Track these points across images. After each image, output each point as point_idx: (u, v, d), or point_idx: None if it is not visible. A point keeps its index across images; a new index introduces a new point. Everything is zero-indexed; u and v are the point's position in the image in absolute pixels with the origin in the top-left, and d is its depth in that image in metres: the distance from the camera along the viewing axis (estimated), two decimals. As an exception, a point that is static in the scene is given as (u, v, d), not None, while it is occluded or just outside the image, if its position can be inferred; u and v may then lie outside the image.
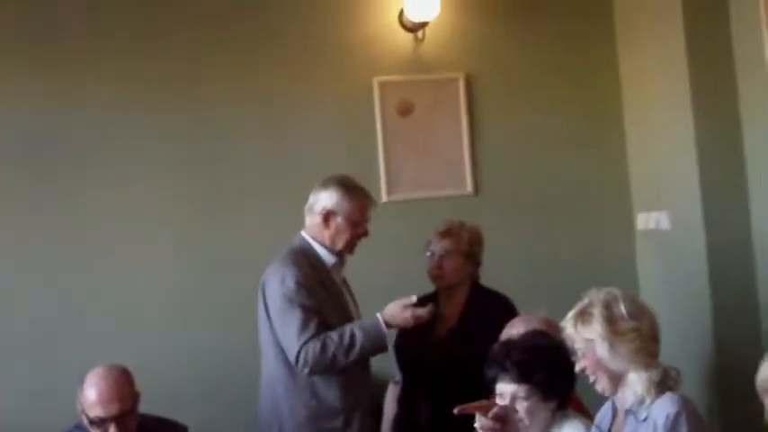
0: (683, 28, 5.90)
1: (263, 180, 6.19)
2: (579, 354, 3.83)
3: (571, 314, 3.87)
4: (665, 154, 6.23)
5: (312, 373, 4.79)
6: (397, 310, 4.86)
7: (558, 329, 4.28)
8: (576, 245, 6.56)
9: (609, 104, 6.63)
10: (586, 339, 3.79)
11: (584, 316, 3.82)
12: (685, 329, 5.82)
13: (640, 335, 3.78)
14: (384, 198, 6.25)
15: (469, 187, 6.44)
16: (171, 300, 6.05)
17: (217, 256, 6.11)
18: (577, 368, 3.85)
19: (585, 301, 3.87)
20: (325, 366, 4.79)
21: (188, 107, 6.12)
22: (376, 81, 6.34)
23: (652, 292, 6.27)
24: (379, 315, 4.88)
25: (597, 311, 3.79)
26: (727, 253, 5.88)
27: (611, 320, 3.77)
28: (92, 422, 4.33)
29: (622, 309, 3.80)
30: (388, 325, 4.87)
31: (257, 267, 5.02)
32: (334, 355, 4.78)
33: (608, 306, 3.81)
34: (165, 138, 6.10)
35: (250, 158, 6.19)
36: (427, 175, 6.38)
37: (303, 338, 4.76)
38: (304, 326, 4.78)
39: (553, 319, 4.54)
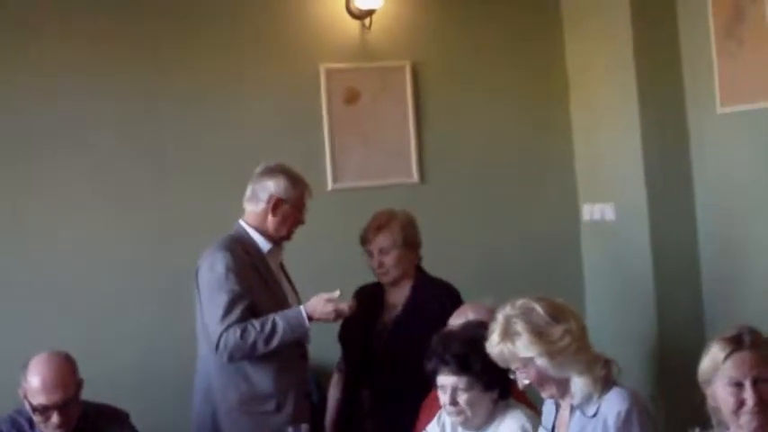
0: (630, 20, 5.94)
1: (207, 166, 6.13)
2: (518, 372, 3.75)
3: (494, 337, 3.77)
4: (611, 146, 6.26)
5: (231, 359, 4.81)
6: (320, 304, 4.88)
7: None
8: (521, 234, 6.57)
9: (555, 95, 6.65)
10: (522, 358, 3.72)
11: (510, 335, 3.72)
12: (629, 320, 5.87)
13: (572, 334, 3.72)
14: (330, 186, 6.25)
15: (415, 176, 6.44)
16: (113, 285, 5.99)
17: (158, 242, 6.05)
18: (521, 385, 3.78)
19: (501, 319, 3.77)
20: (243, 353, 4.80)
21: (131, 89, 6.03)
22: (322, 68, 6.30)
23: (597, 283, 6.36)
24: (302, 307, 4.90)
25: (521, 327, 3.71)
26: (671, 244, 5.94)
27: (538, 331, 3.70)
28: (35, 409, 4.31)
29: (543, 315, 3.74)
30: (311, 317, 4.88)
31: (198, 252, 5.01)
32: (255, 342, 4.78)
33: (528, 317, 3.73)
34: (106, 119, 6.01)
35: (193, 144, 6.13)
36: (373, 163, 6.37)
37: (225, 324, 4.77)
38: (228, 311, 4.79)
39: (492, 307, 4.42)
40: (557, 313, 3.76)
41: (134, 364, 5.92)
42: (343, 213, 6.06)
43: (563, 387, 3.75)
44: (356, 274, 5.49)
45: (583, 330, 3.78)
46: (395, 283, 5.35)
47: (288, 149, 5.92)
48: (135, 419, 4.64)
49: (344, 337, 5.32)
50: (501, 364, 3.79)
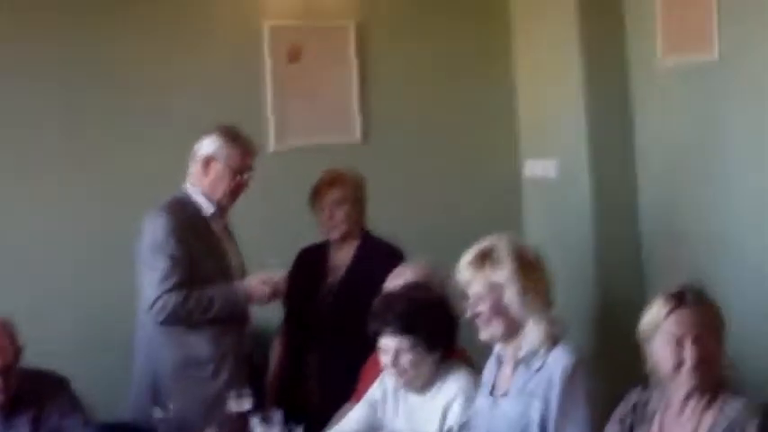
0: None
1: (148, 126, 6.03)
2: (475, 298, 3.79)
3: (471, 257, 3.82)
4: (554, 101, 6.25)
5: (165, 322, 4.80)
6: (257, 285, 4.92)
7: (438, 278, 4.42)
8: (464, 192, 6.56)
9: (499, 50, 6.61)
10: (492, 283, 3.75)
11: (491, 258, 3.77)
12: (569, 277, 5.76)
13: (545, 285, 3.81)
14: (272, 146, 6.19)
15: (358, 135, 6.40)
16: (54, 248, 5.92)
17: (99, 206, 5.93)
18: (469, 313, 3.80)
19: (487, 244, 3.83)
20: (179, 319, 4.80)
21: (71, 50, 5.93)
22: (266, 25, 6.24)
23: (537, 240, 6.15)
24: (241, 285, 4.92)
25: (507, 255, 3.76)
26: (612, 202, 5.95)
27: (523, 267, 3.76)
28: (-28, 376, 4.28)
29: (531, 256, 3.81)
30: (249, 297, 4.92)
31: (140, 216, 4.97)
32: (191, 311, 4.80)
33: (517, 251, 3.79)
34: (50, 81, 5.89)
35: (133, 104, 6.01)
36: (316, 122, 6.31)
37: (165, 287, 4.77)
38: (168, 275, 4.78)
39: (431, 268, 4.62)
40: (539, 259, 3.84)
41: (74, 329, 5.85)
42: (286, 174, 6.01)
43: (510, 329, 3.78)
44: (302, 234, 5.50)
45: (551, 285, 3.85)
46: (342, 240, 5.36)
47: (229, 109, 5.82)
48: (76, 386, 4.60)
49: (288, 299, 5.26)
50: (462, 286, 3.82)
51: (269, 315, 5.33)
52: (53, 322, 5.76)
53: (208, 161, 4.95)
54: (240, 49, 6.23)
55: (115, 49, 5.98)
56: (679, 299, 3.35)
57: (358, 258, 5.34)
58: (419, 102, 6.52)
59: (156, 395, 4.82)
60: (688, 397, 3.35)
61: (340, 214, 5.31)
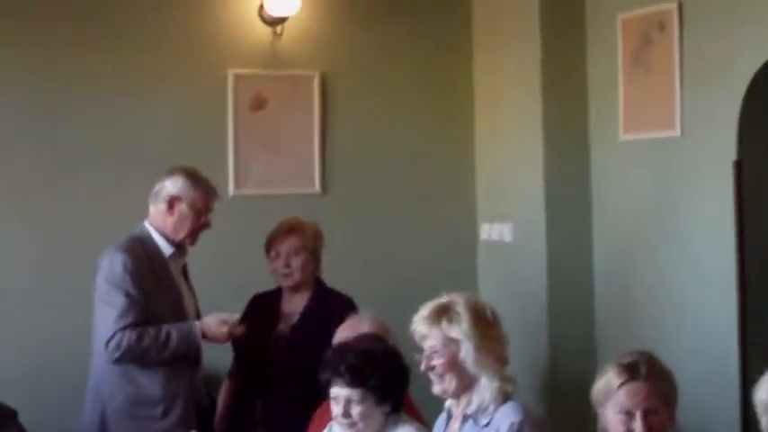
0: (539, 41, 5.99)
1: (108, 166, 6.04)
2: (430, 351, 3.80)
3: (428, 311, 3.84)
4: (512, 165, 6.29)
5: (120, 360, 4.77)
6: (215, 324, 4.91)
7: (389, 332, 4.46)
8: (419, 251, 6.57)
9: (460, 111, 6.66)
10: (448, 338, 3.77)
11: (449, 314, 3.79)
12: (523, 341, 5.73)
13: (501, 343, 3.83)
14: (231, 192, 6.18)
15: (317, 185, 6.41)
16: (4, 278, 5.90)
17: (58, 240, 5.96)
18: (423, 366, 3.81)
19: (445, 299, 3.85)
20: (135, 357, 4.78)
21: (33, 88, 5.95)
22: (231, 73, 6.26)
23: (492, 302, 6.22)
24: (197, 324, 4.92)
25: (464, 311, 3.78)
26: (567, 267, 5.99)
27: (479, 323, 3.78)
28: None
29: (488, 312, 3.83)
30: (204, 335, 4.90)
31: (94, 253, 4.99)
32: (148, 349, 4.78)
33: (475, 309, 3.82)
34: (7, 117, 5.93)
35: (93, 145, 6.04)
36: (276, 171, 6.33)
37: (121, 324, 4.75)
38: (125, 312, 4.76)
39: (383, 321, 4.65)
40: (496, 317, 3.86)
41: (26, 362, 5.83)
42: (243, 220, 6.03)
43: (463, 385, 3.79)
44: (254, 280, 5.51)
45: (506, 343, 3.87)
46: (295, 289, 5.36)
47: (191, 152, 5.85)
48: (24, 418, 4.59)
49: (238, 344, 5.25)
50: (417, 339, 3.83)
51: (218, 357, 5.32)
52: (4, 355, 5.76)
53: (172, 201, 4.94)
54: (205, 94, 6.26)
55: (83, 82, 6.01)
56: (632, 371, 3.37)
57: (310, 307, 5.33)
58: (380, 155, 6.57)
59: (104, 429, 4.84)
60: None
61: (297, 262, 5.31)
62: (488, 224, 6.53)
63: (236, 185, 6.22)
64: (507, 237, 6.32)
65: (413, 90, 6.61)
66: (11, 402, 4.57)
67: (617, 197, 5.88)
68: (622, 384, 3.36)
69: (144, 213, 5.04)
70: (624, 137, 5.76)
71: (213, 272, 5.73)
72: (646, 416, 3.32)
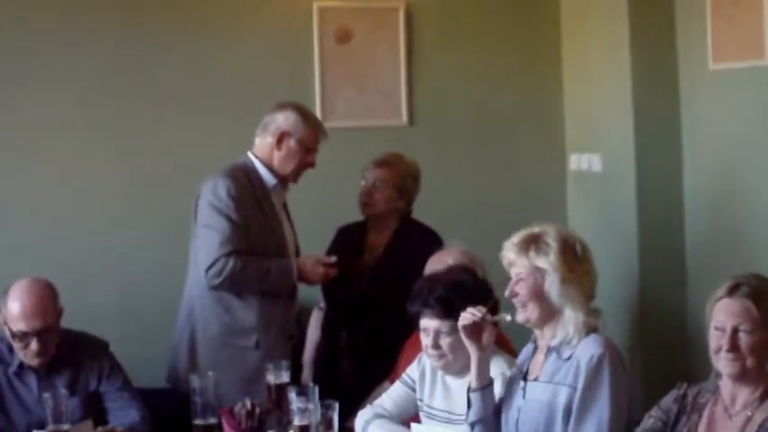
0: (626, -28, 5.90)
1: (197, 102, 6.07)
2: (516, 278, 3.79)
3: (518, 239, 3.83)
4: (601, 97, 6.24)
5: (220, 285, 4.79)
6: (311, 264, 4.96)
7: (478, 263, 4.48)
8: (507, 182, 6.54)
9: (548, 42, 6.58)
10: (534, 267, 3.76)
11: (538, 243, 3.78)
12: (612, 273, 5.78)
13: (589, 278, 3.81)
14: (320, 125, 6.16)
15: (405, 118, 6.39)
16: (101, 214, 5.97)
17: (147, 176, 6.02)
18: (507, 292, 3.81)
19: (536, 229, 3.84)
20: (234, 284, 4.81)
21: (121, 29, 5.99)
22: (316, 6, 6.24)
23: (581, 233, 6.24)
24: (294, 265, 4.94)
25: (554, 244, 3.76)
26: (657, 199, 5.93)
27: (567, 257, 3.76)
28: (14, 335, 4.35)
29: (578, 249, 3.81)
30: (299, 275, 4.94)
31: (186, 189, 5.05)
32: (248, 280, 4.81)
33: (565, 242, 3.79)
34: (97, 58, 5.97)
35: (182, 81, 6.07)
36: (363, 104, 6.33)
37: (225, 249, 4.76)
38: (228, 238, 4.77)
39: (472, 253, 4.65)
40: (586, 253, 3.84)
41: (116, 295, 5.92)
42: (330, 153, 5.90)
43: (546, 315, 3.77)
44: (342, 214, 5.55)
45: (595, 278, 3.84)
46: (378, 221, 5.38)
47: (277, 87, 5.91)
48: (115, 349, 4.69)
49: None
50: (505, 264, 3.83)
51: (307, 292, 5.34)
52: (95, 288, 5.86)
53: (282, 136, 4.95)
54: (289, 28, 6.24)
55: (169, 19, 6.05)
56: (733, 288, 3.35)
57: (395, 240, 5.36)
58: (466, 87, 6.49)
59: (194, 361, 4.90)
60: (736, 390, 3.36)
61: (379, 195, 5.35)
62: (577, 154, 6.50)
63: (323, 119, 6.00)
64: (596, 166, 6.30)
65: (499, 20, 6.54)
66: (103, 335, 4.71)
67: (706, 127, 5.80)
68: (719, 299, 3.37)
69: (235, 148, 5.09)
70: (714, 66, 5.66)
71: (302, 205, 5.64)
72: (735, 332, 3.30)
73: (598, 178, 6.30)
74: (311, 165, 5.05)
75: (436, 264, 4.56)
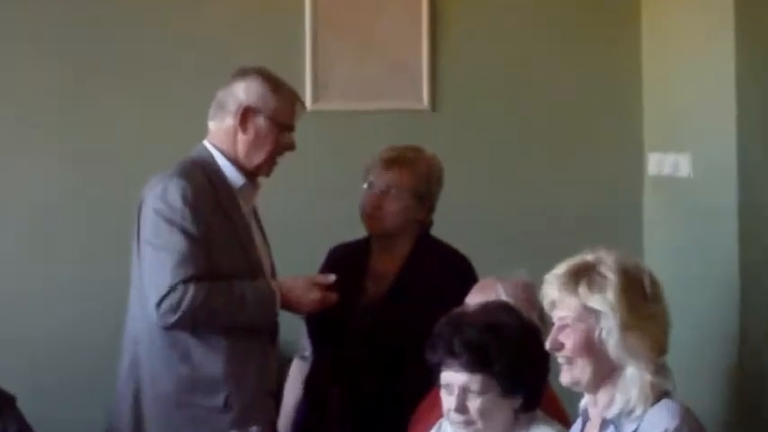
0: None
1: (162, 68, 6.10)
2: (559, 324, 3.68)
3: (564, 270, 3.66)
4: (693, 84, 6.17)
5: (176, 324, 4.58)
6: (302, 287, 4.81)
7: (533, 302, 4.31)
8: (560, 190, 6.45)
9: (623, 5, 6.53)
10: (586, 308, 3.59)
11: (590, 276, 3.61)
12: (701, 307, 5.80)
13: (659, 324, 3.66)
14: (309, 105, 5.88)
15: (425, 100, 6.27)
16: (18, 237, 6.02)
17: (83, 169, 6.06)
18: (549, 344, 3.70)
19: (589, 257, 3.68)
20: (196, 321, 4.61)
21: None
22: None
23: (660, 254, 6.29)
24: (276, 284, 4.81)
25: (613, 277, 3.60)
26: (766, 211, 5.79)
27: (631, 296, 3.60)
28: None
29: (646, 284, 3.65)
30: (285, 303, 4.78)
31: (139, 181, 4.89)
32: (215, 313, 4.62)
33: (628, 274, 3.63)
34: (52, 13, 6.05)
35: (148, 41, 6.10)
36: (370, 79, 6.21)
37: (181, 275, 4.56)
38: (186, 259, 4.58)
39: (528, 286, 4.47)
40: (657, 291, 3.67)
41: (27, 333, 5.91)
42: (324, 143, 5.97)
43: (601, 375, 3.64)
44: (335, 229, 5.46)
45: (667, 325, 3.70)
46: (386, 240, 5.17)
47: (253, 52, 5.80)
48: (25, 406, 4.67)
49: (313, 314, 5.07)
50: (545, 304, 3.74)
51: (284, 329, 5.11)
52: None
53: (246, 113, 4.75)
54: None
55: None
56: None
57: (411, 265, 5.16)
58: (508, 62, 6.44)
59: (140, 428, 4.73)
60: None
61: (391, 206, 5.12)
62: (659, 154, 6.39)
63: (316, 97, 6.13)
64: (684, 170, 6.16)
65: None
66: (8, 383, 4.68)
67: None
68: None
69: (198, 132, 4.92)
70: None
71: (283, 212, 5.69)
72: None
73: (686, 185, 6.21)
74: (290, 147, 4.87)
75: (477, 296, 4.43)
